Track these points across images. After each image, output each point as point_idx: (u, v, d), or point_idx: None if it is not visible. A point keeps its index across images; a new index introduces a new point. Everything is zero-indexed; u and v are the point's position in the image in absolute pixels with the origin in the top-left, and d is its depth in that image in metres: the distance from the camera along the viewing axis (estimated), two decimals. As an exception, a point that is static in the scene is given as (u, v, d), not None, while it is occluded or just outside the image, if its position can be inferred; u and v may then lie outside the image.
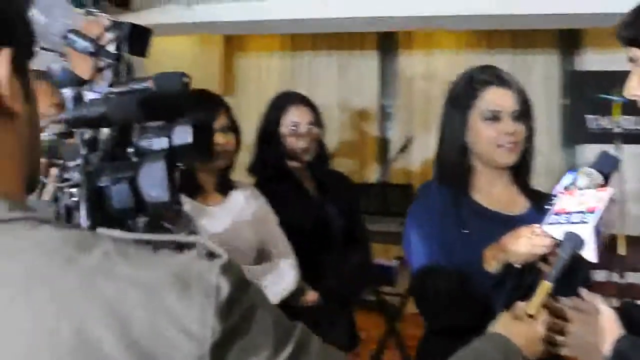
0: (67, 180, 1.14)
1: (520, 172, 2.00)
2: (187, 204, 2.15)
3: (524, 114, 1.94)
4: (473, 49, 6.47)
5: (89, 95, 1.84)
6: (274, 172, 2.65)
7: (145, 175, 1.13)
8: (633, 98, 1.45)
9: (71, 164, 1.17)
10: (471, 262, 1.75)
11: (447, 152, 1.97)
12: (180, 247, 0.74)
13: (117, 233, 0.73)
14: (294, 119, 2.67)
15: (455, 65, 6.34)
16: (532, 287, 1.45)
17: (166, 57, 5.83)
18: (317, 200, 2.70)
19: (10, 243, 0.68)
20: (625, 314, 1.54)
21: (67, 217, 1.12)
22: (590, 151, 6.12)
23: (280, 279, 2.28)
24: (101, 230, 0.73)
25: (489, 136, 1.90)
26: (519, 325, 1.35)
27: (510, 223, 1.76)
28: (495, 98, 1.91)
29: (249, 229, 2.31)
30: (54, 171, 1.20)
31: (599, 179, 1.52)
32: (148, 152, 1.30)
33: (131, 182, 1.13)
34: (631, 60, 1.43)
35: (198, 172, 2.26)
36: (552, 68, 6.39)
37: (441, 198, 1.93)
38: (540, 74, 6.38)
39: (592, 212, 1.41)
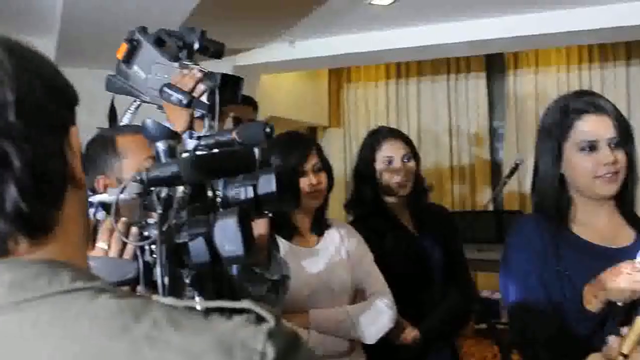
0: (146, 238, 1.20)
1: (623, 201, 1.88)
2: (282, 246, 2.19)
3: (624, 140, 1.82)
4: (584, 64, 6.25)
5: (188, 143, 1.93)
6: (370, 208, 2.64)
7: (219, 230, 1.16)
8: None
9: (150, 221, 1.23)
10: (571, 301, 1.68)
11: (543, 184, 1.89)
12: (232, 312, 0.76)
13: (169, 300, 0.75)
14: (388, 153, 2.65)
15: (566, 82, 6.17)
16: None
17: (276, 92, 6.00)
18: (415, 236, 2.66)
19: (71, 313, 0.72)
20: None
21: (146, 273, 1.17)
22: None
23: (377, 318, 2.25)
24: (156, 297, 0.76)
25: (586, 168, 1.80)
26: None
27: (614, 257, 1.67)
28: (591, 126, 1.81)
29: (344, 268, 2.31)
30: (134, 230, 1.26)
31: None
32: (236, 203, 1.35)
33: (207, 237, 1.17)
34: None
35: (293, 213, 2.29)
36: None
37: (539, 232, 1.84)
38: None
39: None
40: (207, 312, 0.74)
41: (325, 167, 2.34)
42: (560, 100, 1.92)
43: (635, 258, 1.55)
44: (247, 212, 1.22)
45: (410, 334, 2.45)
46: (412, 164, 2.67)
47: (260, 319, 0.73)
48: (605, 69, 6.23)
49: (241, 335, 0.70)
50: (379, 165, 2.65)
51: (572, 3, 4.96)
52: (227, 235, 1.16)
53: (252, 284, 1.60)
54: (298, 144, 2.30)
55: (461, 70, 6.65)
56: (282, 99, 6.11)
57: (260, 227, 1.57)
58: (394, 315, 2.30)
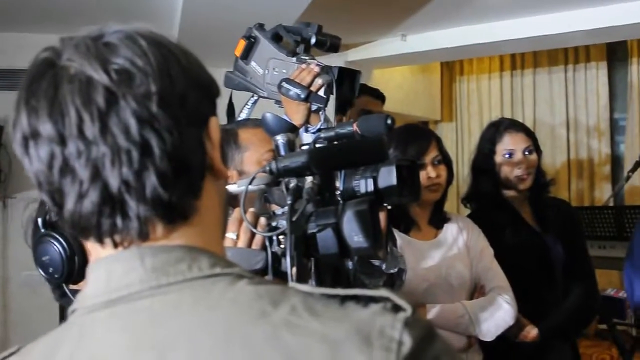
0: (275, 228, 1.22)
1: None
2: (400, 240, 2.18)
3: None
4: None
5: (304, 137, 1.96)
6: (489, 201, 2.59)
7: (348, 221, 1.17)
8: None
9: (279, 212, 1.25)
10: None
11: None
12: (368, 300, 0.76)
13: (306, 287, 0.76)
14: (508, 146, 2.58)
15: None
16: None
17: (388, 87, 5.98)
18: (536, 231, 2.58)
19: (212, 297, 0.74)
20: None
21: (275, 264, 1.19)
22: None
23: (496, 314, 2.20)
24: (292, 284, 0.78)
25: None
26: None
27: None
28: None
29: (463, 262, 2.28)
30: (263, 220, 1.28)
31: None
32: (355, 195, 1.35)
33: (335, 228, 1.17)
34: None
35: (411, 207, 2.28)
36: None
37: None
38: None
39: None
40: (343, 300, 0.75)
41: (445, 160, 2.31)
42: None
43: None
44: (375, 204, 1.22)
45: (530, 332, 2.38)
46: (533, 157, 2.59)
47: (396, 308, 0.73)
48: None
49: (379, 323, 0.70)
50: (499, 158, 2.58)
51: None
52: (357, 226, 1.16)
53: (368, 277, 1.60)
54: (418, 137, 2.28)
55: (580, 60, 6.40)
56: (394, 93, 6.07)
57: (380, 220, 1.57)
58: (515, 312, 2.24)
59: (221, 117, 2.29)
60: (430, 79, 6.73)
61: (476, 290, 2.30)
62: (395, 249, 1.74)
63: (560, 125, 6.38)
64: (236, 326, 0.71)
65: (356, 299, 0.78)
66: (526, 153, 2.58)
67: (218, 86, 0.86)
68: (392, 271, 1.65)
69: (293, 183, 1.21)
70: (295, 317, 0.71)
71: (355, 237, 1.15)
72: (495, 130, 2.65)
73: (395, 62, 5.73)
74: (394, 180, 1.35)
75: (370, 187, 1.37)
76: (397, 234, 2.20)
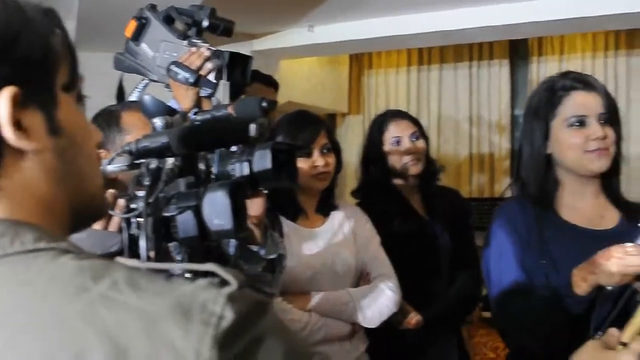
0: (133, 210, 1.18)
1: (609, 181, 1.85)
2: (286, 227, 2.17)
3: (612, 118, 1.80)
4: (610, 51, 6.14)
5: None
6: (379, 191, 2.61)
7: (208, 204, 1.14)
8: None
9: (139, 194, 1.21)
10: (558, 285, 1.64)
11: (529, 166, 1.86)
12: (197, 275, 0.74)
13: (133, 262, 0.74)
14: (395, 134, 2.61)
15: (591, 69, 6.06)
16: (630, 311, 1.32)
17: (295, 78, 5.97)
18: (424, 220, 2.62)
19: (30, 273, 0.70)
20: None
21: (132, 247, 1.15)
22: None
23: (380, 301, 2.22)
24: (119, 259, 0.75)
25: (576, 143, 1.77)
26: (605, 355, 1.21)
27: (599, 239, 1.63)
28: (580, 102, 1.79)
29: (349, 250, 2.28)
30: (121, 202, 1.24)
31: None
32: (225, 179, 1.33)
33: (195, 210, 1.15)
34: None
35: (298, 194, 2.27)
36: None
37: (523, 216, 1.82)
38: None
39: None
40: (171, 275, 0.73)
41: (334, 148, 2.31)
42: (547, 81, 1.91)
43: (621, 241, 1.51)
44: (239, 186, 1.20)
45: (414, 318, 2.41)
46: (421, 143, 2.63)
47: (224, 283, 0.71)
48: (631, 56, 6.11)
49: (201, 297, 0.68)
50: (387, 146, 2.61)
51: (599, -13, 4.88)
52: (216, 208, 1.14)
53: (247, 262, 1.58)
54: (307, 124, 2.27)
55: (484, 57, 6.55)
56: (301, 84, 6.08)
57: (256, 205, 1.56)
58: (398, 299, 2.26)
59: (113, 101, 2.21)
60: (338, 71, 6.75)
61: (362, 278, 2.31)
62: (276, 235, 1.72)
63: (463, 120, 6.53)
64: (51, 303, 0.68)
65: (195, 274, 0.76)
66: (413, 139, 2.62)
67: (37, 48, 0.80)
68: (272, 257, 1.64)
69: (154, 164, 1.18)
70: (115, 292, 0.68)
71: (215, 219, 1.13)
72: (382, 120, 2.68)
73: (303, 53, 5.71)
74: (269, 164, 1.34)
75: (246, 171, 1.35)
76: (284, 222, 2.19)
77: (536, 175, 1.84)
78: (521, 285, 1.75)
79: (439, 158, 6.19)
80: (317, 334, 2.13)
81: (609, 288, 1.53)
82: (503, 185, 5.91)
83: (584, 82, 1.82)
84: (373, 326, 2.23)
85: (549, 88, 1.85)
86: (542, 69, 6.31)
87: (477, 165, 6.45)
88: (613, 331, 1.26)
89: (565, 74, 1.87)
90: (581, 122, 1.78)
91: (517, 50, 6.51)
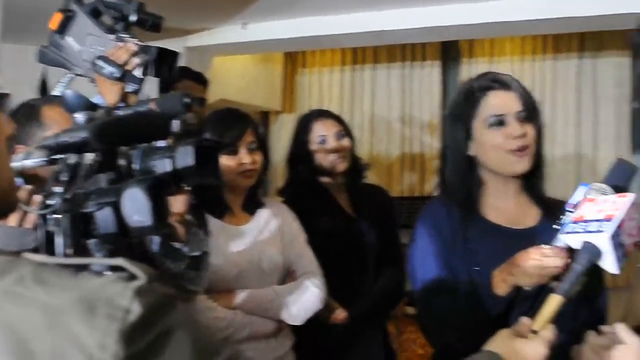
0: (49, 206, 1.16)
1: (531, 181, 1.87)
2: (213, 225, 2.16)
3: (531, 115, 1.82)
4: (537, 55, 6.31)
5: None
6: (305, 189, 2.63)
7: (127, 200, 1.13)
8: None
9: (56, 189, 1.18)
10: (478, 284, 1.69)
11: (452, 168, 1.87)
12: (105, 270, 0.74)
13: (40, 257, 0.73)
14: (321, 132, 2.64)
15: (519, 72, 6.22)
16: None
17: (228, 75, 5.93)
18: (351, 217, 2.65)
19: None
20: None
21: (48, 244, 1.13)
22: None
23: (305, 299, 2.23)
24: (27, 254, 0.74)
25: (497, 143, 1.78)
26: (518, 342, 1.25)
27: (521, 238, 1.68)
28: (497, 102, 1.80)
29: (275, 247, 2.29)
30: (37, 198, 1.22)
31: (610, 194, 1.44)
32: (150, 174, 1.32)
33: (115, 207, 1.13)
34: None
35: (225, 192, 2.26)
36: (622, 71, 6.15)
37: (448, 216, 1.85)
38: (610, 78, 6.16)
39: (609, 219, 1.33)
40: (80, 269, 0.72)
41: (262, 146, 2.31)
42: (465, 84, 1.93)
43: (541, 239, 1.55)
44: (160, 182, 1.19)
45: (340, 315, 2.44)
46: (346, 141, 2.66)
47: (132, 277, 0.71)
48: (557, 60, 6.29)
49: (108, 291, 0.68)
50: (313, 145, 2.64)
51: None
52: (135, 205, 1.13)
53: (170, 260, 1.57)
54: (234, 122, 2.26)
55: (416, 58, 6.65)
56: (235, 82, 6.05)
57: (179, 202, 1.55)
58: (324, 296, 2.28)
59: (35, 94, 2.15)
60: (272, 70, 6.75)
61: (288, 275, 2.32)
62: (200, 232, 1.72)
63: (395, 120, 6.61)
64: None
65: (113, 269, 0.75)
66: (338, 138, 2.65)
67: None
68: (195, 254, 1.63)
69: (72, 159, 1.16)
70: (21, 287, 0.67)
71: (135, 216, 1.12)
72: (307, 119, 2.71)
73: (236, 50, 5.68)
74: (191, 161, 1.33)
75: (168, 167, 1.34)
76: (210, 219, 2.18)
77: (460, 177, 1.85)
78: (444, 283, 1.78)
79: (371, 157, 6.30)
80: (242, 332, 2.13)
81: (527, 288, 1.57)
82: (433, 185, 6.00)
83: (500, 81, 1.83)
84: (298, 323, 2.24)
85: (467, 90, 1.87)
86: (473, 71, 6.42)
87: (408, 165, 6.54)
88: (525, 320, 1.30)
89: (482, 75, 1.89)
90: (500, 122, 1.79)
91: (449, 52, 6.63)
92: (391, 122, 6.62)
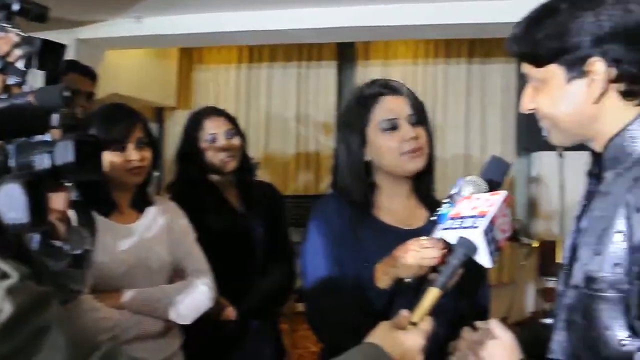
0: None
1: (420, 182, 1.96)
2: (100, 223, 2.11)
3: (421, 118, 1.91)
4: (430, 58, 6.49)
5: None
6: (195, 186, 2.61)
7: (3, 196, 1.10)
8: (528, 112, 1.43)
9: None
10: (367, 281, 1.72)
11: (348, 173, 1.92)
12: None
13: None
14: (211, 130, 2.64)
15: (412, 75, 6.38)
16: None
17: (121, 70, 5.80)
18: (240, 214, 2.65)
19: None
20: (534, 335, 1.53)
21: None
22: (544, 158, 6.18)
23: (194, 297, 2.20)
24: None
25: (391, 146, 1.86)
26: (397, 334, 1.29)
27: (409, 237, 1.73)
28: (389, 107, 1.88)
29: (163, 246, 2.25)
30: None
31: (484, 186, 1.52)
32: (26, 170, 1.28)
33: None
34: (525, 75, 1.40)
35: (112, 189, 2.20)
36: (509, 77, 6.42)
37: (340, 215, 1.89)
38: (497, 83, 6.42)
39: (483, 216, 1.39)
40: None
41: (151, 143, 2.26)
42: (356, 91, 1.99)
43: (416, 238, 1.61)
44: (37, 177, 1.16)
45: (229, 312, 2.44)
46: (236, 140, 2.66)
47: (4, 276, 0.69)
48: (449, 65, 6.49)
49: None
50: (203, 143, 2.63)
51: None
52: (10, 201, 1.09)
53: (51, 258, 1.52)
54: (122, 118, 2.20)
55: (313, 58, 6.70)
56: (128, 76, 5.91)
57: (59, 199, 1.50)
58: (213, 295, 2.26)
59: None
60: (166, 65, 6.63)
61: (176, 274, 2.29)
62: (83, 229, 1.67)
63: (291, 119, 6.64)
64: None
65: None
66: (228, 137, 2.64)
67: None
68: (77, 252, 1.58)
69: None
70: None
71: (10, 213, 1.08)
72: (198, 117, 2.70)
73: (130, 44, 5.53)
74: (71, 157, 1.30)
75: (47, 163, 1.30)
76: (97, 217, 2.12)
77: (355, 181, 1.90)
78: (333, 281, 1.81)
79: (267, 155, 6.31)
80: (129, 332, 2.09)
81: (408, 280, 1.62)
82: (328, 183, 6.07)
83: (390, 87, 1.91)
84: (187, 322, 2.21)
85: (359, 97, 1.93)
86: (368, 72, 6.55)
87: (303, 164, 6.59)
88: (404, 312, 1.34)
89: (372, 82, 1.95)
90: (393, 126, 1.86)
91: (345, 53, 6.72)
92: (287, 121, 6.65)
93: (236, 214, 2.64)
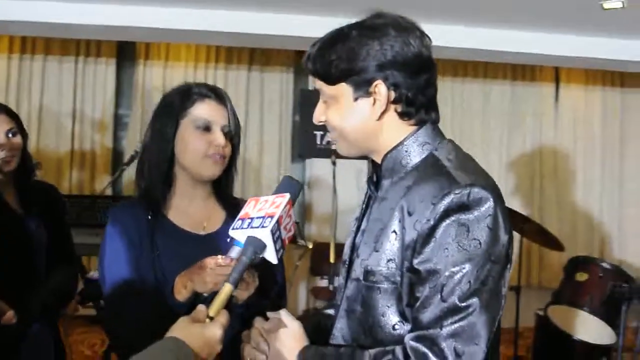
0: None
1: (219, 184, 2.02)
2: None
3: (232, 135, 1.98)
4: (211, 63, 6.59)
5: None
6: None
7: None
8: (319, 123, 1.58)
9: None
10: (163, 286, 1.78)
11: (152, 164, 1.94)
12: None
13: None
14: None
15: (192, 78, 6.42)
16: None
17: None
18: (19, 214, 2.56)
19: None
20: (317, 323, 1.71)
21: None
22: (318, 165, 6.53)
23: None
24: None
25: (199, 146, 1.90)
26: (196, 328, 1.38)
27: (204, 242, 1.81)
28: (210, 109, 1.93)
29: None
30: None
31: None
32: None
33: None
34: (313, 89, 1.54)
35: None
36: (287, 86, 6.70)
37: (136, 220, 1.91)
38: (276, 91, 6.66)
39: (270, 217, 1.50)
40: None
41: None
42: (184, 85, 2.01)
43: (223, 241, 1.68)
44: None
45: (8, 316, 2.34)
46: (17, 139, 2.56)
47: None
48: (229, 71, 6.62)
49: None
50: None
51: (207, 3, 5.22)
52: None
53: None
54: None
55: (91, 54, 6.48)
56: None
57: None
58: None
59: None
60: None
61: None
62: None
63: (66, 115, 6.38)
64: None
65: None
66: (10, 135, 2.54)
67: None
68: None
69: None
70: None
71: None
72: None
73: None
74: None
75: None
76: None
77: (160, 173, 1.93)
78: (133, 285, 1.82)
79: (39, 152, 6.00)
80: None
81: (205, 294, 1.69)
82: (104, 183, 5.91)
83: (218, 95, 1.97)
84: None
85: (185, 91, 1.96)
86: (148, 72, 6.51)
87: (77, 162, 6.36)
88: (201, 307, 1.43)
89: (203, 85, 2.00)
90: (207, 127, 1.91)
91: (125, 51, 6.61)
92: (61, 117, 6.38)
93: (15, 215, 2.53)
